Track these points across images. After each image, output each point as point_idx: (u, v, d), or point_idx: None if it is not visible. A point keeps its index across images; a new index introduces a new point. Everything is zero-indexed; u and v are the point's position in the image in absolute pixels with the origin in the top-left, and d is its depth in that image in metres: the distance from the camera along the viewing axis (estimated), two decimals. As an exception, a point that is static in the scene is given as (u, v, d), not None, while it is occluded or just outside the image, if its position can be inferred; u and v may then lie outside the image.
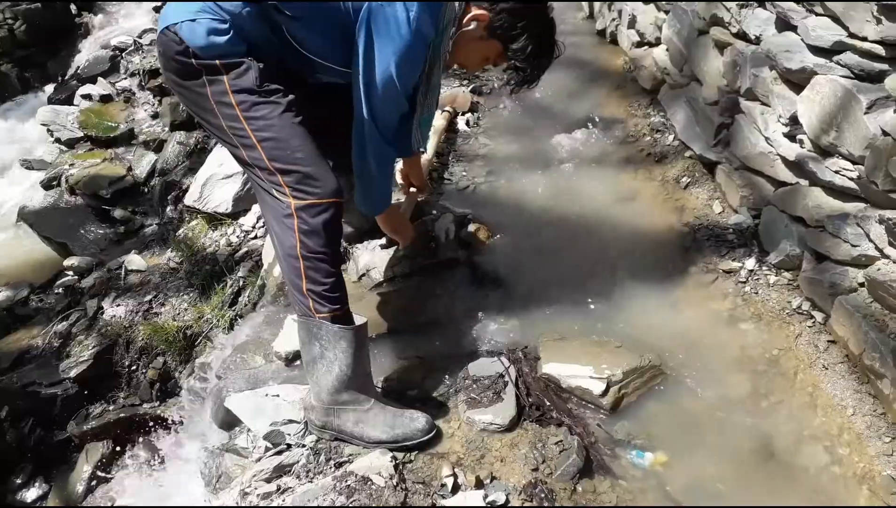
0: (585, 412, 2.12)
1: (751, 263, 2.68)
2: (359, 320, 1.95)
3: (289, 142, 1.84)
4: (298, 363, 2.25)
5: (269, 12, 1.88)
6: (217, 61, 1.83)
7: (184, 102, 2.05)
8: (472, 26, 1.99)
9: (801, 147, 2.53)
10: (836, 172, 2.35)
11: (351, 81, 1.98)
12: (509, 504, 1.78)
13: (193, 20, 1.83)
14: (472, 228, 2.88)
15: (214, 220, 3.74)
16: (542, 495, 1.81)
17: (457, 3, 1.95)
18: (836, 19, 2.37)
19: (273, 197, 1.87)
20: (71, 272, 4.24)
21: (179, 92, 1.98)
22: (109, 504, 3.02)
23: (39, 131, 5.70)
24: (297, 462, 1.91)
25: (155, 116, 5.30)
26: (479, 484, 1.82)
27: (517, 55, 2.04)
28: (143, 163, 4.96)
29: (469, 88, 4.02)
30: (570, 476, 1.86)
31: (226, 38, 1.83)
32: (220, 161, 3.75)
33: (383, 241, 2.64)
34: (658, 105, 3.79)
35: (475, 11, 1.99)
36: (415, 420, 1.91)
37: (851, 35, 2.30)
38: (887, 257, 2.15)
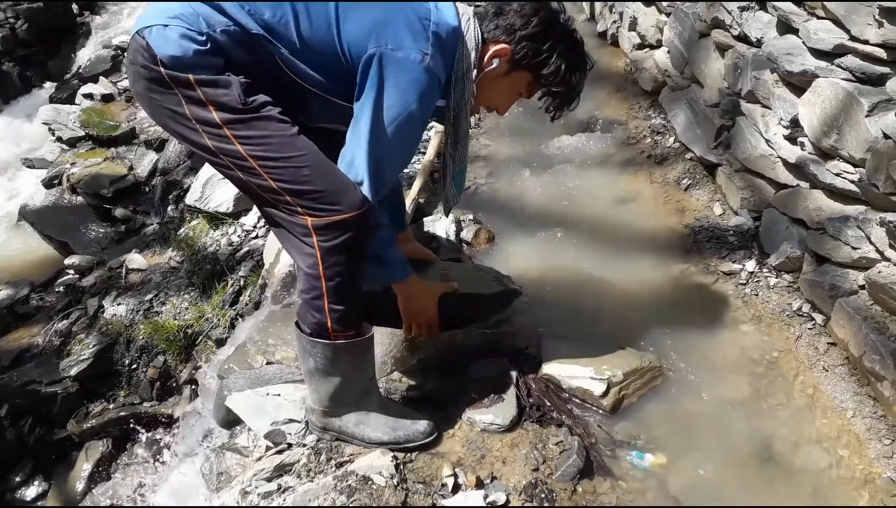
0: (586, 413, 2.13)
1: (751, 265, 2.69)
2: (366, 329, 1.84)
3: (292, 158, 1.64)
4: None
5: (257, 40, 1.67)
6: (190, 76, 1.60)
7: (160, 121, 1.76)
8: (494, 64, 1.84)
9: (802, 150, 2.53)
10: (837, 174, 2.35)
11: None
12: (509, 505, 1.78)
13: (166, 25, 1.61)
14: (472, 229, 2.88)
15: (215, 219, 3.74)
16: (543, 495, 1.81)
17: (472, 49, 1.80)
18: (837, 22, 2.38)
19: (287, 217, 1.69)
20: (72, 271, 4.24)
21: (153, 108, 1.72)
22: (108, 504, 3.02)
23: (41, 130, 5.70)
24: (298, 461, 1.91)
25: (156, 115, 5.30)
26: (480, 484, 1.82)
27: (550, 79, 1.87)
28: (144, 162, 4.96)
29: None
30: (571, 476, 1.86)
31: (200, 47, 1.61)
32: (221, 161, 3.74)
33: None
34: (659, 107, 3.80)
35: (494, 48, 1.84)
36: (416, 423, 1.91)
37: (853, 38, 2.31)
38: (888, 259, 2.16)
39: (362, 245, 1.73)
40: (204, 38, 1.62)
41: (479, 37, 1.83)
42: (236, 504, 1.86)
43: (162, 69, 1.61)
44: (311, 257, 1.68)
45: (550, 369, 2.19)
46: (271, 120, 1.66)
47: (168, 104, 1.67)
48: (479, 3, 1.92)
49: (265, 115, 1.66)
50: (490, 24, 1.86)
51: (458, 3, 1.83)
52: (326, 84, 1.76)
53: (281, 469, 1.91)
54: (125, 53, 1.73)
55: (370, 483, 1.78)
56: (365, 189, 1.70)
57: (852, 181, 2.30)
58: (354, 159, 1.71)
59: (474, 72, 1.83)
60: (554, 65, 1.85)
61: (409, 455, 1.89)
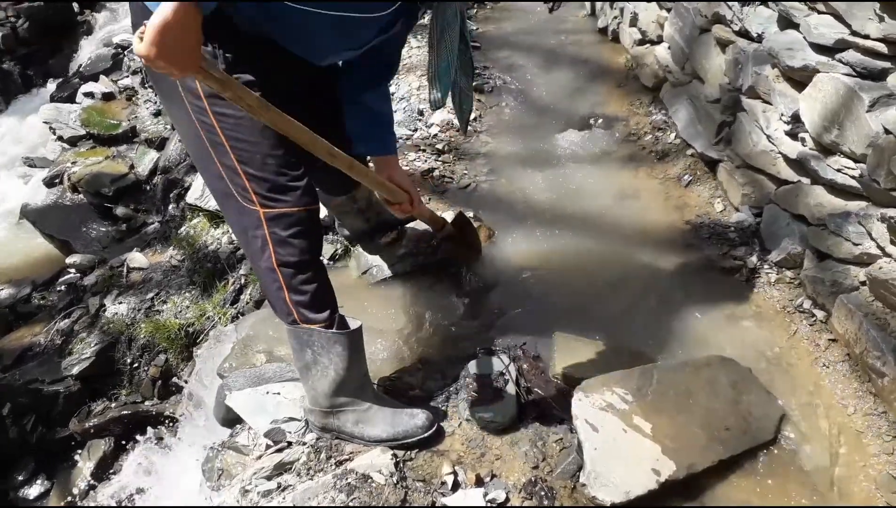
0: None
1: (752, 261, 2.68)
2: (353, 323, 1.88)
3: (259, 145, 1.70)
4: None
5: None
6: None
7: (154, 86, 1.85)
8: None
9: (803, 145, 2.52)
10: (838, 170, 2.35)
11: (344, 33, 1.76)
12: (509, 503, 1.78)
13: None
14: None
15: (216, 218, 3.73)
16: (542, 493, 1.81)
17: None
18: (838, 17, 2.37)
19: (239, 204, 1.75)
20: (73, 270, 4.24)
21: (150, 75, 1.81)
22: (110, 503, 3.03)
23: (42, 129, 5.70)
24: (298, 459, 1.91)
25: (157, 113, 5.30)
26: (480, 482, 1.82)
27: None
28: (145, 161, 4.96)
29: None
30: (571, 474, 1.86)
31: None
32: (221, 159, 3.75)
33: (386, 239, 2.64)
34: (660, 103, 3.79)
35: None
36: (415, 417, 1.91)
37: (854, 33, 2.30)
38: (889, 255, 2.15)
39: (313, 238, 1.80)
40: None
41: None
42: (236, 503, 1.86)
43: None
44: (265, 251, 1.75)
45: (568, 369, 2.18)
46: None
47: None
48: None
49: None
50: None
51: None
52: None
53: (281, 468, 1.91)
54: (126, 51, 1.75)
55: (370, 481, 1.78)
56: None
57: (853, 177, 2.29)
58: None
59: None
60: None
61: (408, 452, 1.89)
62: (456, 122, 3.64)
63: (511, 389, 2.08)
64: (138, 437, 3.20)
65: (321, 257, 1.87)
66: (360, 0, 1.65)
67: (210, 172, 1.80)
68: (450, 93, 2.05)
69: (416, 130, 3.65)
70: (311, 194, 1.78)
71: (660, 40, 3.91)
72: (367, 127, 2.12)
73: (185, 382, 3.23)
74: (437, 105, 2.03)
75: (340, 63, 2.04)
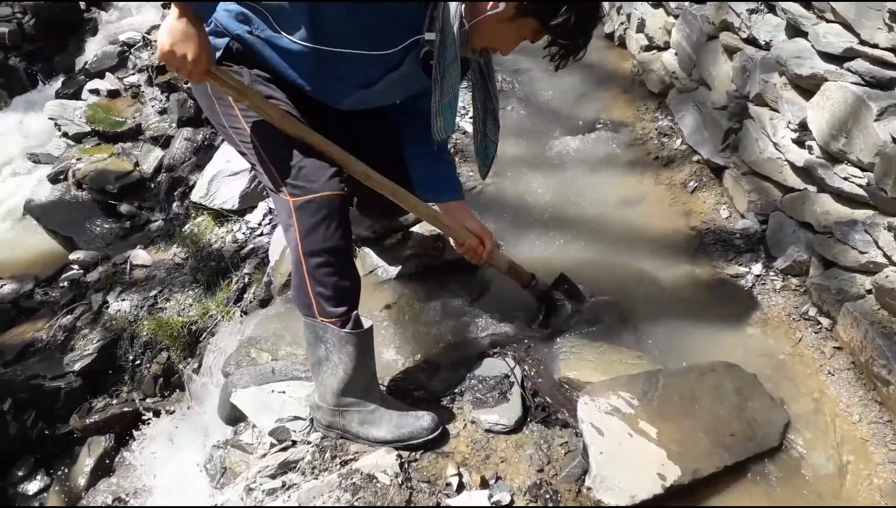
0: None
1: (758, 268, 2.68)
2: (365, 323, 1.90)
3: (278, 137, 1.82)
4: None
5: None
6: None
7: (197, 94, 2.04)
8: (499, 8, 1.74)
9: (810, 153, 2.53)
10: (845, 178, 2.35)
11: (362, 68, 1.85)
12: (514, 505, 1.78)
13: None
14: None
15: (221, 216, 3.74)
16: (547, 496, 1.81)
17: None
18: (846, 26, 2.38)
19: (277, 196, 1.85)
20: (76, 266, 4.25)
21: (195, 89, 2.00)
22: (111, 501, 3.02)
23: (47, 125, 5.70)
24: (303, 458, 1.91)
25: (162, 111, 5.31)
26: (484, 484, 1.82)
27: (558, 31, 1.75)
28: (150, 158, 4.97)
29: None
30: (576, 477, 1.86)
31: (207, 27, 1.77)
32: (227, 158, 3.76)
33: (392, 240, 2.65)
34: (666, 109, 3.79)
35: None
36: (420, 419, 1.91)
37: (862, 42, 2.31)
38: (895, 264, 2.15)
39: (339, 228, 1.81)
40: (212, 24, 1.86)
41: None
42: (241, 501, 1.86)
43: None
44: (293, 240, 1.81)
45: (571, 374, 2.18)
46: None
47: (200, 85, 1.91)
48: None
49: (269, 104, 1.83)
50: None
51: None
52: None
53: (285, 467, 1.91)
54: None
55: (375, 481, 1.78)
56: None
57: (860, 186, 2.30)
58: None
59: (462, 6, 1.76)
60: (563, 17, 1.72)
61: (413, 453, 1.89)
62: (463, 125, 3.65)
63: (516, 391, 2.08)
64: (139, 434, 3.20)
65: (351, 252, 1.91)
66: (365, 38, 1.75)
67: (258, 171, 1.93)
68: (475, 138, 2.23)
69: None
70: (333, 181, 1.81)
71: (667, 46, 3.91)
72: (427, 173, 2.22)
73: (188, 380, 3.24)
74: (441, 135, 2.02)
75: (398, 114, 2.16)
